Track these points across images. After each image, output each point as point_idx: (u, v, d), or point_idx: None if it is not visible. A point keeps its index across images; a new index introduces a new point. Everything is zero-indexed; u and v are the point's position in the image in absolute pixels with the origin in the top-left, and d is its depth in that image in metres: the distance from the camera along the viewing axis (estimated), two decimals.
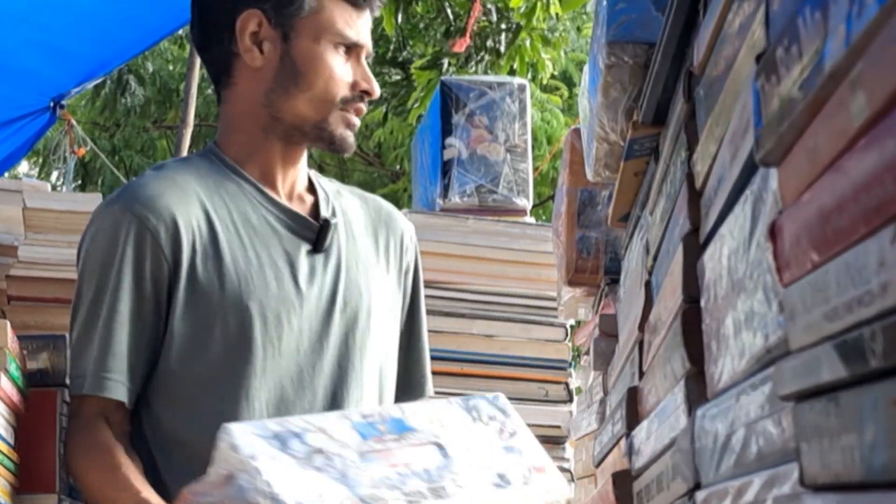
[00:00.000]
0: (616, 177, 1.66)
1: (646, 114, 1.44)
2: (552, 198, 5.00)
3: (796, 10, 0.68)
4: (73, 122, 5.08)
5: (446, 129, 3.21)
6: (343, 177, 9.72)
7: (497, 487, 1.48)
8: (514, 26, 6.38)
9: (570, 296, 2.20)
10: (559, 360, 3.05)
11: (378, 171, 10.16)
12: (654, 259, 1.37)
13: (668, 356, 1.17)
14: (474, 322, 3.01)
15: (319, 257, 1.73)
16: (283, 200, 1.74)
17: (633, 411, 1.45)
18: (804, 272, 0.68)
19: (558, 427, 2.92)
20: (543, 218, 7.80)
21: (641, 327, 1.41)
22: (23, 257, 2.39)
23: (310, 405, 1.68)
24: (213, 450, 1.44)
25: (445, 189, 3.16)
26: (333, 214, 1.77)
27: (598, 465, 1.82)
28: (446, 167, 3.18)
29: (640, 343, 1.43)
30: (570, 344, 3.05)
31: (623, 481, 1.44)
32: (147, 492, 1.57)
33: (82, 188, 9.21)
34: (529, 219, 3.25)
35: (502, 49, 6.37)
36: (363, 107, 1.76)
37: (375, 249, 1.82)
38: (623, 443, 1.48)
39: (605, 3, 1.49)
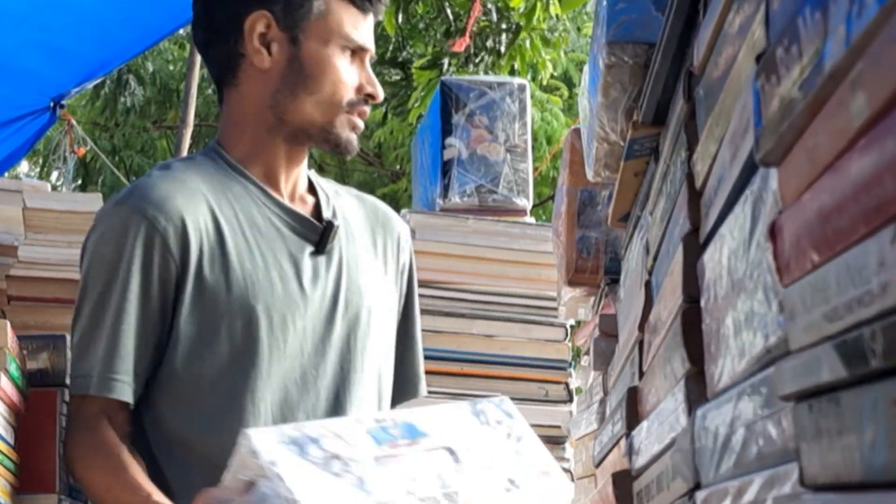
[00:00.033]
0: (616, 177, 1.66)
1: (646, 114, 1.44)
2: (552, 198, 5.00)
3: (796, 10, 0.68)
4: (73, 121, 5.08)
5: (446, 129, 3.21)
6: (343, 177, 9.73)
7: (507, 491, 1.50)
8: (513, 26, 6.38)
9: (570, 296, 2.20)
10: (559, 360, 3.05)
11: (378, 171, 10.17)
12: (654, 259, 1.37)
13: (668, 356, 1.17)
14: (474, 322, 3.01)
15: (322, 258, 1.73)
16: (287, 201, 1.74)
17: (633, 411, 1.45)
18: (804, 272, 0.68)
19: (558, 427, 2.92)
20: (543, 218, 7.80)
21: (641, 327, 1.41)
22: (23, 257, 2.39)
23: (313, 407, 1.69)
24: (232, 455, 1.45)
25: (445, 189, 3.16)
26: (334, 215, 1.77)
27: (598, 465, 1.82)
28: (446, 167, 3.18)
29: (640, 343, 1.43)
30: (570, 344, 3.05)
31: (623, 481, 1.44)
32: (158, 495, 1.57)
33: (82, 188, 9.21)
34: (529, 219, 3.25)
35: (502, 49, 6.37)
36: (367, 110, 1.77)
37: (374, 250, 1.83)
38: (623, 443, 1.48)
39: (605, 3, 1.49)
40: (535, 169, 6.50)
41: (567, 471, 2.66)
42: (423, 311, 2.94)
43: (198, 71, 4.43)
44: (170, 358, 1.65)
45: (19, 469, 1.69)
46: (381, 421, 1.53)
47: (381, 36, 7.16)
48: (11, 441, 1.67)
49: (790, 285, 0.71)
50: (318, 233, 1.73)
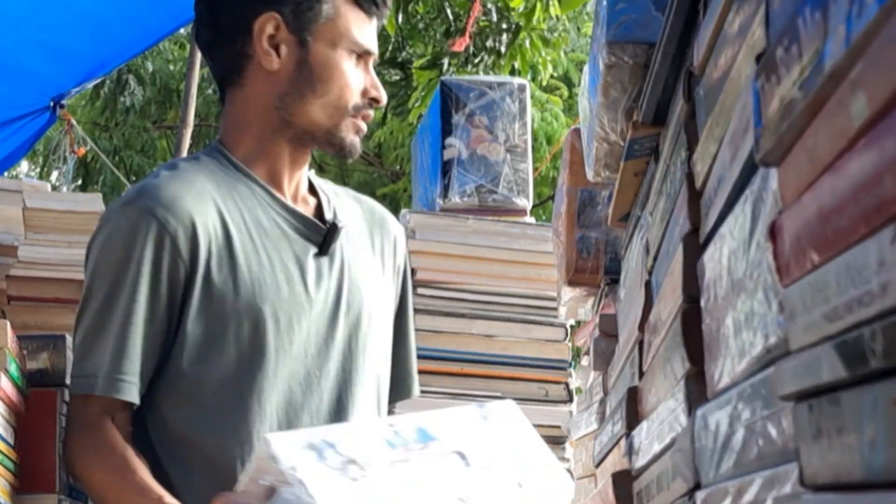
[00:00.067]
0: (616, 177, 1.66)
1: (646, 114, 1.44)
2: (552, 198, 5.00)
3: (796, 10, 0.68)
4: (73, 121, 5.08)
5: (446, 129, 3.21)
6: (343, 177, 9.74)
7: (514, 492, 1.52)
8: (513, 26, 6.38)
9: (570, 296, 2.20)
10: (559, 360, 3.05)
11: (378, 171, 10.17)
12: (654, 259, 1.37)
13: (668, 356, 1.17)
14: (474, 322, 3.01)
15: (325, 260, 1.73)
16: (290, 203, 1.75)
17: (633, 411, 1.45)
18: (804, 272, 0.68)
19: (558, 427, 2.92)
20: (543, 218, 7.80)
21: (641, 327, 1.41)
22: (23, 257, 2.39)
23: (317, 408, 1.69)
24: (252, 459, 1.46)
25: (445, 189, 3.16)
26: (335, 217, 1.78)
27: (598, 465, 1.82)
28: (446, 167, 3.18)
29: (640, 343, 1.43)
30: (570, 344, 3.05)
31: (623, 481, 1.44)
32: (169, 498, 1.57)
33: (82, 188, 9.21)
34: (529, 219, 3.25)
35: (502, 49, 6.37)
36: (371, 114, 1.78)
37: (372, 251, 1.83)
38: (623, 443, 1.48)
39: (605, 3, 1.49)
40: (535, 169, 6.50)
41: (567, 471, 2.66)
42: (423, 311, 2.96)
43: (198, 71, 4.43)
44: (175, 358, 1.65)
45: (19, 469, 1.69)
46: (393, 425, 1.54)
47: (380, 36, 7.14)
48: (11, 441, 1.67)
49: (790, 285, 0.71)
50: (321, 234, 1.74)
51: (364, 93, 1.74)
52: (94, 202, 2.46)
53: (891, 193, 0.55)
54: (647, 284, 1.40)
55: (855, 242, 0.60)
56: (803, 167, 0.70)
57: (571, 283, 2.10)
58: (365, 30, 1.75)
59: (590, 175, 1.76)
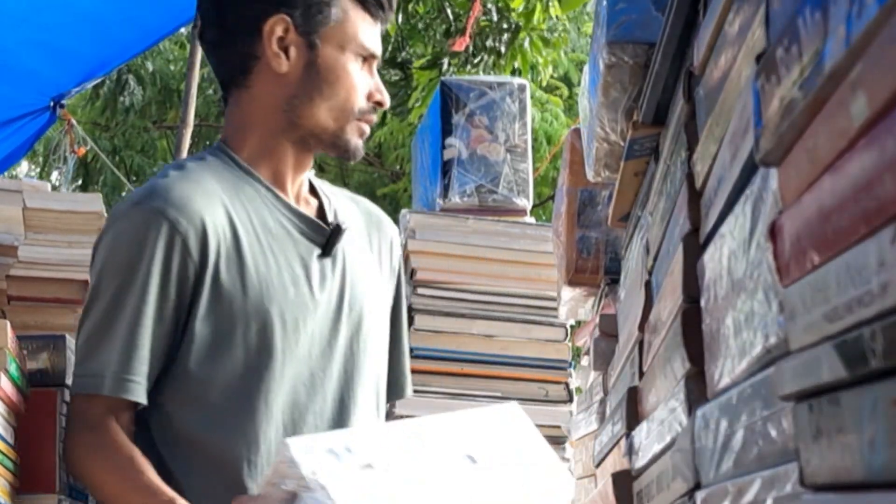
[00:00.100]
0: (616, 177, 1.66)
1: (646, 114, 1.43)
2: (552, 198, 5.00)
3: (796, 10, 0.68)
4: (73, 121, 5.08)
5: (446, 129, 3.20)
6: (343, 177, 9.74)
7: (521, 494, 1.54)
8: (513, 26, 6.38)
9: (570, 296, 2.20)
10: (559, 360, 3.05)
11: (378, 172, 10.17)
12: (654, 259, 1.37)
13: (668, 356, 1.17)
14: (474, 322, 3.01)
15: (328, 261, 1.74)
16: (294, 204, 1.75)
17: (633, 411, 1.45)
18: (804, 272, 0.68)
19: (558, 427, 2.92)
20: (543, 218, 7.80)
21: (641, 327, 1.41)
22: (23, 257, 2.39)
23: (320, 409, 1.70)
24: (272, 464, 1.47)
25: (445, 189, 3.16)
26: (335, 218, 1.78)
27: (598, 465, 1.82)
28: (446, 167, 3.18)
29: (640, 343, 1.43)
30: (570, 344, 3.05)
31: (623, 481, 1.44)
32: (181, 500, 1.57)
33: (83, 188, 9.21)
34: (529, 219, 3.25)
35: (502, 49, 6.37)
36: (375, 117, 1.79)
37: (370, 252, 1.84)
38: (623, 443, 1.48)
39: (605, 3, 1.49)
40: (535, 169, 6.50)
41: (568, 471, 2.66)
42: (423, 311, 2.96)
43: (198, 71, 4.43)
44: (182, 359, 1.65)
45: (19, 469, 1.69)
46: (406, 428, 1.56)
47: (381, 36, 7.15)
48: (11, 441, 1.67)
49: (790, 285, 0.71)
50: (324, 236, 1.74)
51: (369, 96, 1.75)
52: (94, 202, 2.46)
53: (891, 193, 0.55)
54: (647, 284, 1.40)
55: (855, 242, 0.60)
56: (803, 167, 0.70)
57: (571, 283, 2.10)
58: (371, 33, 1.76)
59: (590, 175, 1.76)
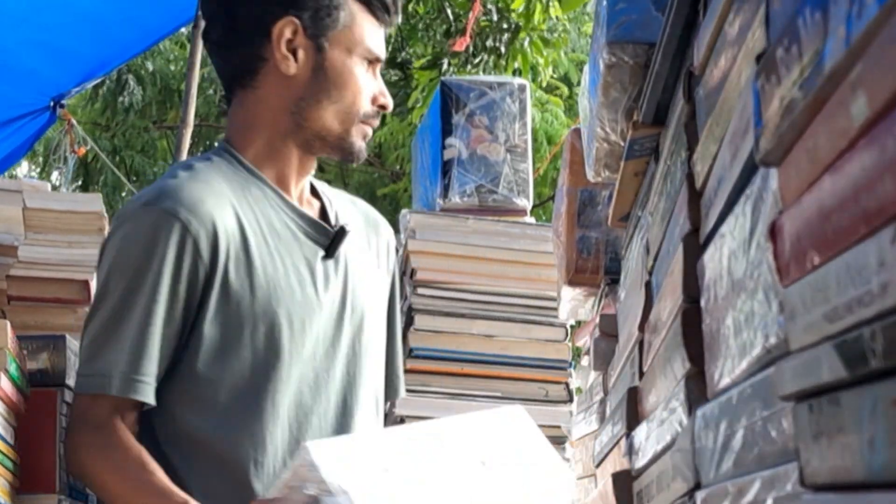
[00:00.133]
0: (616, 177, 1.66)
1: (646, 114, 1.43)
2: (552, 198, 5.00)
3: (796, 10, 0.68)
4: (74, 121, 5.08)
5: (446, 129, 3.20)
6: (343, 177, 9.73)
7: (529, 495, 1.59)
8: (513, 26, 6.39)
9: (570, 296, 2.20)
10: (559, 360, 3.05)
11: (378, 172, 10.16)
12: (654, 259, 1.37)
13: (668, 356, 1.17)
14: (474, 322, 3.01)
15: (331, 263, 1.75)
16: (299, 206, 1.76)
17: (633, 411, 1.45)
18: (804, 272, 0.68)
19: (558, 427, 2.92)
20: (543, 218, 7.79)
21: (641, 327, 1.41)
22: (23, 257, 2.38)
23: (324, 410, 1.70)
24: (291, 466, 1.48)
25: (445, 189, 3.16)
26: (336, 220, 1.79)
27: (598, 465, 1.82)
28: (446, 167, 3.18)
29: (640, 343, 1.43)
30: (570, 344, 3.05)
31: (623, 481, 1.44)
32: (194, 502, 1.56)
33: (83, 188, 9.20)
34: (529, 219, 3.25)
35: (503, 49, 6.37)
36: (378, 120, 1.79)
37: (369, 254, 1.85)
38: (623, 443, 1.48)
39: (605, 3, 1.49)
40: (535, 169, 6.50)
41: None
42: (423, 311, 2.96)
43: (198, 71, 4.43)
44: (189, 359, 1.65)
45: (19, 469, 1.69)
46: (421, 431, 1.58)
47: None
48: (11, 441, 1.67)
49: (790, 285, 0.71)
50: (328, 237, 1.75)
51: (373, 99, 1.76)
52: (94, 202, 2.46)
53: (891, 193, 0.55)
54: (647, 284, 1.40)
55: (855, 242, 0.60)
56: (803, 167, 0.70)
57: (571, 283, 2.10)
58: (377, 37, 1.77)
59: (590, 175, 1.76)
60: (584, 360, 2.35)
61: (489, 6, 6.42)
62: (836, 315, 0.62)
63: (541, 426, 1.78)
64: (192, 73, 4.31)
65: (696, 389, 1.05)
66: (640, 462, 1.36)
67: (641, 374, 1.42)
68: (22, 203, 2.42)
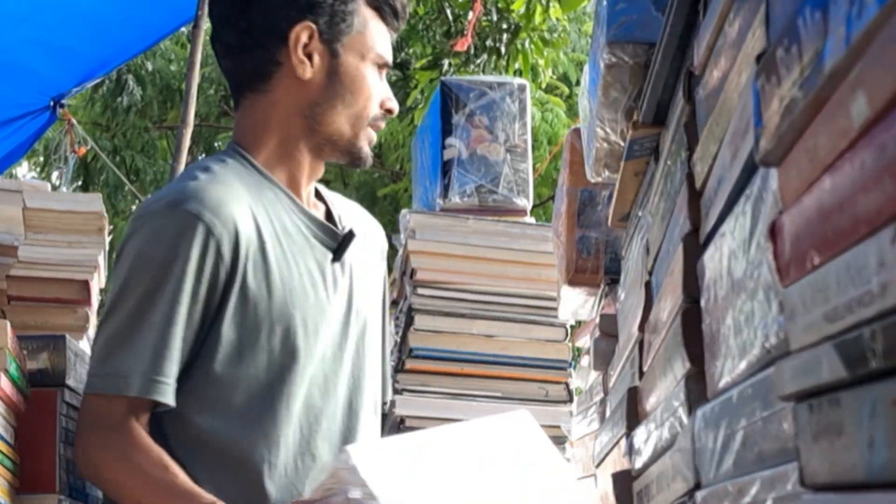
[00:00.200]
0: (616, 177, 1.66)
1: (646, 114, 1.43)
2: (552, 198, 5.00)
3: (796, 10, 0.68)
4: (74, 121, 5.08)
5: (446, 129, 3.20)
6: (343, 177, 9.73)
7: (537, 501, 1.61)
8: (513, 26, 6.38)
9: (570, 296, 2.20)
10: (559, 360, 3.04)
11: (378, 172, 10.16)
12: (654, 259, 1.37)
13: (668, 356, 1.17)
14: (474, 322, 3.01)
15: (338, 266, 1.76)
16: (308, 209, 1.77)
17: (633, 411, 1.45)
18: (804, 272, 0.68)
19: (558, 427, 2.92)
20: (543, 218, 7.79)
21: (641, 327, 1.41)
22: (23, 257, 2.38)
23: (333, 412, 1.72)
24: (330, 469, 1.50)
25: (445, 189, 3.16)
26: (341, 223, 1.81)
27: (598, 465, 1.82)
28: (446, 167, 3.18)
29: (640, 343, 1.43)
30: (570, 344, 3.05)
31: (623, 481, 1.44)
32: (220, 502, 1.56)
33: (83, 188, 9.20)
34: (529, 219, 3.25)
35: (502, 49, 6.37)
36: (384, 124, 1.81)
37: (367, 258, 1.86)
38: (623, 443, 1.48)
39: (605, 3, 1.49)
40: (535, 169, 6.50)
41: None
42: (423, 311, 2.96)
43: (198, 71, 4.43)
44: (206, 361, 1.64)
45: (19, 469, 1.69)
46: (438, 435, 1.61)
47: None
48: (11, 441, 1.67)
49: (790, 285, 0.71)
50: (336, 240, 1.76)
51: (381, 104, 1.77)
52: (94, 202, 2.46)
53: (891, 193, 0.55)
54: (647, 284, 1.40)
55: (855, 242, 0.60)
56: (803, 167, 0.69)
57: (571, 283, 2.10)
58: (386, 42, 1.79)
59: (590, 175, 1.76)
60: (584, 360, 2.35)
61: (489, 6, 6.41)
62: (836, 315, 0.62)
63: (541, 426, 1.78)
64: (192, 73, 4.31)
65: (696, 389, 1.05)
66: (640, 462, 1.36)
67: (641, 374, 1.42)
68: (22, 203, 2.42)
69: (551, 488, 1.65)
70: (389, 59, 1.79)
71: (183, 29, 5.68)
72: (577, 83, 8.32)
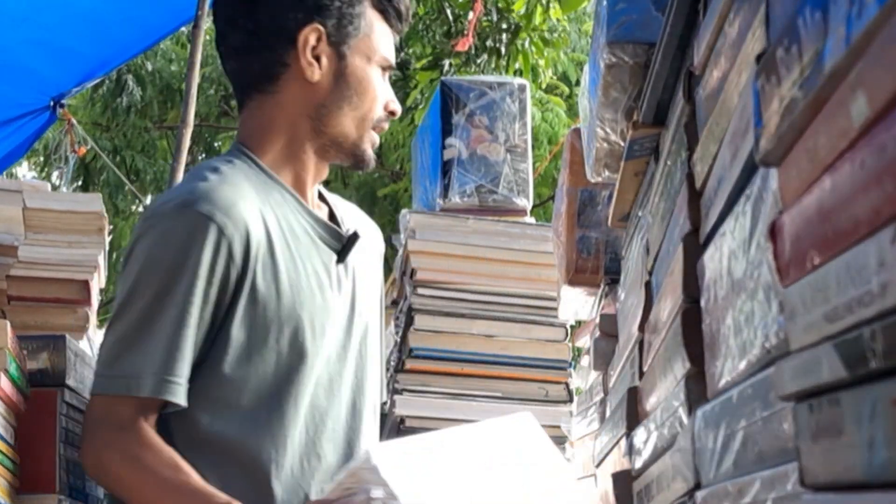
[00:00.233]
0: (616, 177, 1.66)
1: (646, 114, 1.43)
2: (552, 198, 5.00)
3: (796, 10, 0.68)
4: (74, 121, 5.08)
5: (446, 129, 3.20)
6: (343, 177, 9.73)
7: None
8: (513, 26, 6.38)
9: (570, 296, 2.20)
10: (559, 360, 3.04)
11: (378, 171, 10.17)
12: (654, 259, 1.37)
13: (668, 356, 1.17)
14: (474, 322, 3.01)
15: (342, 267, 1.76)
16: (313, 210, 1.77)
17: (633, 411, 1.45)
18: (804, 272, 0.68)
19: (558, 427, 2.92)
20: (543, 218, 7.79)
21: (641, 327, 1.41)
22: (23, 257, 2.39)
23: (337, 413, 1.72)
24: (350, 469, 1.51)
25: (445, 189, 3.16)
26: (344, 224, 1.81)
27: (598, 465, 1.82)
28: (446, 167, 3.18)
29: (640, 343, 1.43)
30: (570, 344, 3.05)
31: (623, 481, 1.44)
32: (237, 503, 1.56)
33: (83, 188, 9.21)
34: (529, 219, 3.25)
35: (502, 49, 6.37)
36: (386, 126, 1.81)
37: (368, 259, 1.86)
38: (623, 443, 1.48)
39: (605, 3, 1.49)
40: (535, 169, 6.49)
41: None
42: (423, 311, 2.96)
43: (198, 71, 4.42)
44: (214, 362, 1.64)
45: (19, 469, 1.69)
46: (447, 437, 1.63)
47: None
48: (11, 441, 1.67)
49: (790, 285, 0.71)
50: (341, 242, 1.76)
51: (384, 106, 1.78)
52: (94, 202, 2.46)
53: (891, 193, 0.55)
54: (647, 284, 1.40)
55: (855, 242, 0.60)
56: (803, 167, 0.69)
57: (571, 283, 2.10)
58: (391, 45, 1.80)
59: (590, 175, 1.76)
60: (584, 360, 2.35)
61: (489, 6, 6.41)
62: (836, 315, 0.62)
63: (541, 426, 1.79)
64: (192, 73, 4.31)
65: (696, 389, 1.05)
66: (640, 462, 1.36)
67: (641, 374, 1.42)
68: (22, 203, 2.42)
69: (552, 488, 1.66)
70: (393, 61, 1.80)
71: (183, 29, 5.68)
72: (577, 83, 8.32)
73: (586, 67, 1.77)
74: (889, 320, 0.55)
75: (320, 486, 1.67)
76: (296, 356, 1.66)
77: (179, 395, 1.61)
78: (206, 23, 4.36)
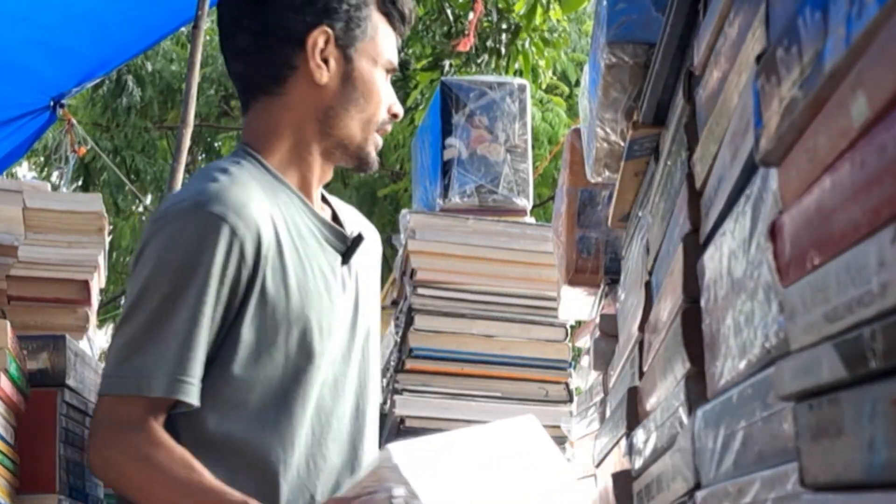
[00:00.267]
0: (616, 177, 1.66)
1: (646, 114, 1.44)
2: (552, 198, 5.00)
3: (796, 10, 0.68)
4: (74, 121, 5.08)
5: (446, 129, 3.20)
6: (343, 177, 9.73)
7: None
8: (513, 26, 6.38)
9: (570, 296, 2.20)
10: (559, 360, 3.04)
11: (378, 172, 10.17)
12: (654, 259, 1.37)
13: (668, 356, 1.17)
14: (474, 322, 3.01)
15: (346, 268, 1.77)
16: (319, 212, 1.78)
17: (633, 411, 1.45)
18: (804, 272, 0.68)
19: (558, 427, 2.92)
20: (543, 218, 7.79)
21: (641, 327, 1.41)
22: (23, 257, 2.39)
23: (342, 413, 1.73)
24: (371, 468, 1.51)
25: (445, 189, 3.16)
26: (345, 226, 1.82)
27: (598, 465, 1.82)
28: (446, 167, 3.18)
29: (640, 343, 1.43)
30: (570, 344, 3.05)
31: (623, 481, 1.44)
32: (253, 501, 1.56)
33: (83, 188, 9.20)
34: (529, 219, 3.25)
35: (502, 50, 6.37)
36: (389, 128, 1.82)
37: (368, 261, 1.87)
38: (623, 443, 1.48)
39: (605, 3, 1.49)
40: (535, 169, 6.49)
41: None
42: (423, 311, 2.96)
43: (198, 71, 4.42)
44: (224, 362, 1.64)
45: (19, 469, 1.69)
46: (456, 439, 1.64)
47: None
48: (11, 441, 1.67)
49: (790, 285, 0.71)
50: (346, 244, 1.77)
51: (388, 108, 1.78)
52: (94, 202, 2.46)
53: (891, 193, 0.55)
54: (647, 284, 1.40)
55: (855, 242, 0.60)
56: (803, 167, 0.69)
57: (571, 283, 2.10)
58: (394, 47, 1.82)
59: (590, 175, 1.76)
60: (584, 360, 2.35)
61: (489, 7, 6.41)
62: (836, 315, 0.62)
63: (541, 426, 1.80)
64: (192, 73, 4.30)
65: (696, 389, 1.05)
66: (640, 462, 1.36)
67: (641, 374, 1.42)
68: (22, 203, 2.42)
69: (553, 488, 1.66)
70: (396, 63, 1.81)
71: (183, 29, 5.68)
72: (577, 83, 8.32)
73: (586, 67, 1.77)
74: (889, 320, 0.55)
75: (325, 486, 1.67)
76: (304, 357, 1.67)
77: (193, 395, 1.60)
78: (206, 23, 4.36)
